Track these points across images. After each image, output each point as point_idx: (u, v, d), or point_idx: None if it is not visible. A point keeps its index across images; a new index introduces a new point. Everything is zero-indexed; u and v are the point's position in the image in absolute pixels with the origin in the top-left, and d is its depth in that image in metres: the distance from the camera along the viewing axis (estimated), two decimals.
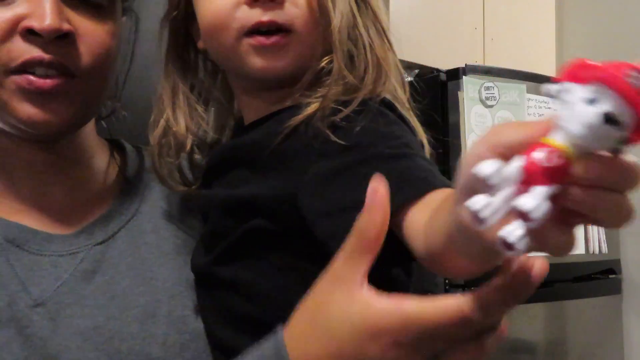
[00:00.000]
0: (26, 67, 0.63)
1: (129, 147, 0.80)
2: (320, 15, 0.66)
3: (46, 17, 0.61)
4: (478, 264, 0.46)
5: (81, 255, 0.68)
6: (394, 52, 0.70)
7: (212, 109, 0.77)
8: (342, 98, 0.64)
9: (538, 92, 2.07)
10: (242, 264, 0.66)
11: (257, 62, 0.67)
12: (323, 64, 0.67)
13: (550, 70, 2.55)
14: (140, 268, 0.69)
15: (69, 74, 0.64)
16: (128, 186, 0.75)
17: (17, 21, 0.62)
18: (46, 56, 0.62)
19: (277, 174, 0.65)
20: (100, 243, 0.69)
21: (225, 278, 0.67)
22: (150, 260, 0.70)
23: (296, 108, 0.65)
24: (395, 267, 0.65)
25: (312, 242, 0.61)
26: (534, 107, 2.06)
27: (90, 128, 0.74)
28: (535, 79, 2.09)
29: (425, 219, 0.52)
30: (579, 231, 2.16)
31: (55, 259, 0.67)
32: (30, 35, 0.62)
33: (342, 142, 0.61)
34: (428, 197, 0.54)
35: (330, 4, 0.66)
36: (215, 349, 0.68)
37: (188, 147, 0.72)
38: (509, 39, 2.42)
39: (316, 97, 0.64)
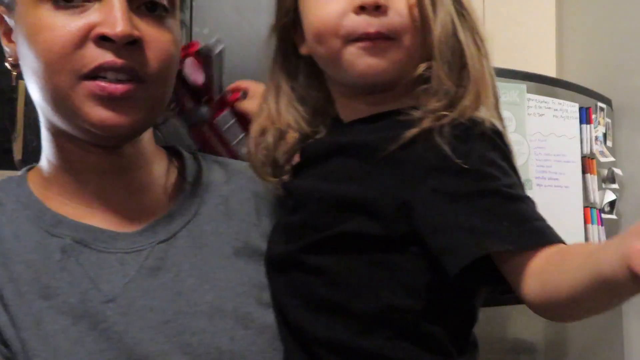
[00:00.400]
0: (98, 72, 0.66)
1: (185, 152, 0.83)
2: (421, 24, 0.70)
3: (118, 24, 0.64)
4: (598, 312, 0.56)
5: (146, 253, 0.71)
6: (491, 64, 0.74)
7: (309, 107, 0.81)
8: (452, 114, 0.68)
9: (538, 92, 2.07)
10: (334, 255, 0.69)
11: (361, 63, 0.71)
12: (420, 70, 0.71)
13: (550, 70, 2.55)
14: (203, 268, 0.72)
15: (138, 79, 0.67)
16: (187, 189, 0.78)
17: (89, 28, 0.65)
18: (119, 61, 0.66)
19: (387, 178, 0.68)
20: (163, 241, 0.73)
21: (313, 265, 0.70)
22: (212, 261, 0.73)
23: (404, 114, 0.69)
24: (486, 287, 0.71)
25: (409, 243, 0.67)
26: (534, 107, 2.06)
27: (149, 135, 0.78)
28: (535, 79, 2.09)
29: (541, 268, 0.60)
30: (580, 232, 2.16)
31: (122, 256, 0.70)
32: (103, 41, 0.65)
33: (462, 164, 0.65)
34: (547, 248, 0.61)
35: (431, 14, 0.70)
36: (289, 333, 0.72)
37: (288, 141, 0.78)
38: (509, 39, 2.42)
39: (427, 110, 0.68)
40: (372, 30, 0.70)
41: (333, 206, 0.71)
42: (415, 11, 0.71)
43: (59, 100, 0.67)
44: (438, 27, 0.70)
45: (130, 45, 0.66)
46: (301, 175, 0.78)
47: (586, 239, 2.16)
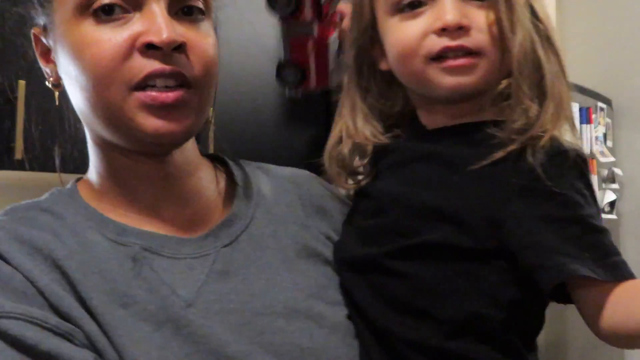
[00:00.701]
0: (148, 81, 0.66)
1: (228, 159, 0.84)
2: (500, 42, 0.73)
3: (163, 31, 0.65)
4: None
5: (212, 257, 0.72)
6: (569, 84, 0.76)
7: (385, 120, 0.83)
8: (543, 138, 0.70)
9: None
10: (420, 262, 0.71)
11: (447, 81, 0.73)
12: (502, 86, 0.73)
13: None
14: (268, 271, 0.73)
15: (186, 84, 0.68)
16: (241, 193, 0.79)
17: (135, 39, 0.66)
18: (167, 67, 0.66)
19: (477, 192, 0.71)
20: (227, 245, 0.73)
21: (398, 270, 0.72)
22: (275, 264, 0.74)
23: (490, 128, 0.71)
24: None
25: (496, 257, 0.70)
26: None
27: (193, 143, 0.78)
28: None
29: (616, 300, 0.65)
30: None
31: (190, 261, 0.71)
32: (149, 50, 0.66)
33: (552, 188, 0.68)
34: (624, 283, 0.66)
35: (509, 33, 0.72)
36: (368, 331, 0.73)
37: (365, 151, 0.80)
38: None
39: (515, 129, 0.70)
40: (453, 44, 0.72)
41: (420, 214, 0.72)
42: (495, 29, 0.72)
43: (111, 113, 0.68)
44: (516, 45, 0.72)
45: (175, 51, 0.67)
46: (382, 177, 0.79)
47: None
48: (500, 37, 0.72)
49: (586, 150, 2.23)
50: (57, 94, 0.76)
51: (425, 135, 0.78)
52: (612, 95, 2.43)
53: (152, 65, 0.66)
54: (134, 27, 0.66)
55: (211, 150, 1.70)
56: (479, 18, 0.73)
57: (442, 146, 0.75)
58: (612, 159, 2.36)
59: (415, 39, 0.74)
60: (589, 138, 2.24)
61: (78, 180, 0.78)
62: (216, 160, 0.84)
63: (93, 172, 0.76)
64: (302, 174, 0.88)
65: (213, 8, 0.75)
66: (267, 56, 2.04)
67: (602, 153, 2.33)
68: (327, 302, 0.74)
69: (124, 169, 0.73)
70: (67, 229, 0.70)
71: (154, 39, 0.65)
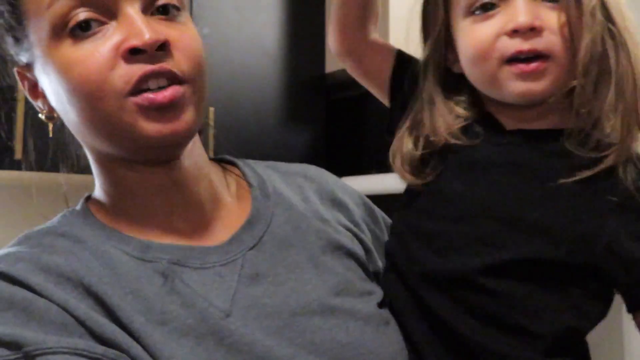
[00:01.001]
0: (141, 85, 0.65)
1: (237, 160, 0.84)
2: (571, 43, 0.72)
3: (144, 33, 0.65)
4: None
5: (240, 262, 0.71)
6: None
7: (463, 120, 0.82)
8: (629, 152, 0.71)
9: None
10: (514, 279, 0.71)
11: (517, 87, 0.73)
12: (569, 87, 0.72)
13: None
14: (297, 270, 0.73)
15: (178, 80, 0.67)
16: (258, 193, 0.79)
17: (117, 48, 0.65)
18: (155, 67, 0.66)
19: (569, 206, 0.71)
20: (252, 248, 0.73)
21: (490, 287, 0.71)
22: (303, 261, 0.74)
23: (574, 138, 0.72)
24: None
25: (587, 271, 0.71)
26: None
27: (200, 146, 0.78)
28: None
29: None
30: None
31: (219, 269, 0.70)
32: (133, 55, 0.65)
33: None
34: None
35: (578, 34, 0.71)
36: (446, 339, 0.73)
37: (436, 147, 0.78)
38: None
39: (604, 143, 0.71)
40: (525, 47, 0.72)
41: (510, 224, 0.72)
42: (566, 31, 0.72)
43: (110, 125, 0.67)
44: (583, 48, 0.71)
45: (159, 50, 0.66)
46: (455, 177, 0.77)
47: None
48: (571, 39, 0.72)
49: None
50: (51, 126, 0.75)
51: (503, 137, 0.77)
52: None
53: (140, 68, 0.65)
54: (114, 37, 0.66)
55: (211, 150, 1.70)
56: (551, 19, 0.72)
57: (527, 154, 0.75)
58: None
59: (487, 41, 0.74)
60: None
61: (87, 199, 0.76)
62: (223, 162, 0.83)
63: (101, 192, 0.75)
64: (311, 168, 0.87)
65: (186, 2, 0.73)
66: (267, 56, 2.04)
67: None
68: (356, 295, 0.74)
69: (132, 183, 0.72)
70: (90, 252, 0.68)
71: (136, 42, 0.64)
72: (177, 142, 0.70)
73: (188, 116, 0.68)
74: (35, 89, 0.73)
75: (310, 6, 2.12)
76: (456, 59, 0.80)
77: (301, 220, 0.78)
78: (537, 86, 0.73)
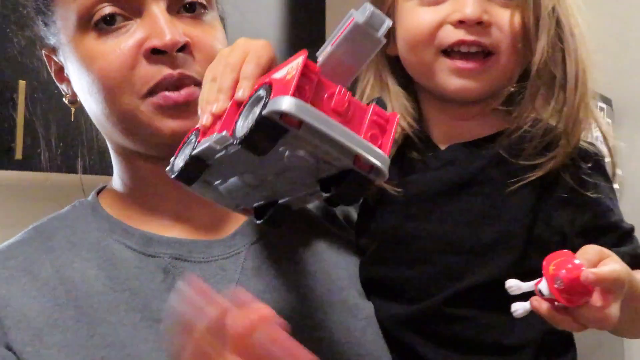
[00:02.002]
0: (157, 87, 0.66)
1: None
2: (522, 44, 0.69)
3: (165, 34, 0.65)
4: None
5: (243, 255, 0.71)
6: (590, 91, 0.75)
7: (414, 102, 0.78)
8: (567, 149, 0.69)
9: None
10: (480, 302, 0.69)
11: (453, 83, 0.70)
12: (513, 89, 0.70)
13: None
14: (300, 264, 0.73)
15: (194, 82, 0.68)
16: None
17: (139, 46, 0.66)
18: (175, 72, 0.66)
19: (521, 213, 0.69)
20: (255, 242, 0.73)
21: (459, 315, 0.70)
22: (305, 257, 0.74)
23: (510, 138, 0.69)
24: None
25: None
26: None
27: None
28: None
29: None
30: None
31: (221, 262, 0.71)
32: (155, 55, 0.65)
33: (589, 194, 0.69)
34: None
35: (533, 37, 0.69)
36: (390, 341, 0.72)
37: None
38: None
39: (540, 152, 0.68)
40: (469, 38, 0.69)
41: (470, 253, 0.69)
42: (518, 30, 0.69)
43: (127, 121, 0.68)
44: (539, 52, 0.69)
45: (181, 51, 0.67)
46: (406, 217, 0.73)
47: None
48: (522, 40, 0.69)
49: None
50: (73, 110, 0.76)
51: (438, 159, 0.74)
52: (612, 95, 2.43)
53: (160, 72, 0.66)
54: (136, 34, 0.66)
55: None
56: (502, 16, 0.69)
57: (467, 172, 0.72)
58: None
59: (430, 27, 0.70)
60: (589, 138, 2.24)
61: (100, 190, 0.77)
62: None
63: (117, 181, 0.76)
64: None
65: (215, 1, 0.74)
66: None
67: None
68: (361, 292, 0.74)
69: (147, 175, 0.73)
70: (90, 248, 0.69)
71: (157, 43, 0.65)
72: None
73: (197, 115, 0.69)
74: (60, 72, 0.74)
75: (310, 6, 2.12)
76: (392, 41, 0.75)
77: (306, 215, 0.78)
78: (472, 85, 0.70)
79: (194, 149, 0.54)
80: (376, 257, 0.75)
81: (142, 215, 0.73)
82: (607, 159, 0.75)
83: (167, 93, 0.66)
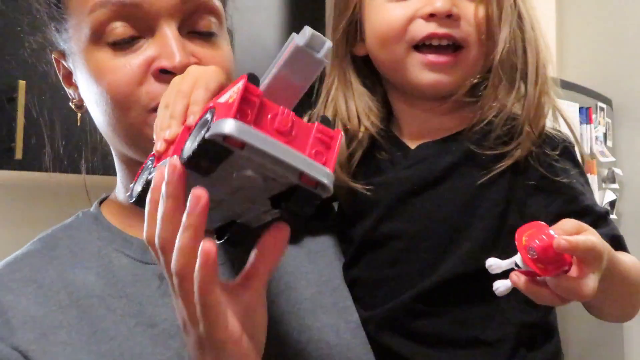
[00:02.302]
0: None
1: None
2: (487, 37, 0.71)
3: (175, 55, 0.66)
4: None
5: (238, 261, 0.71)
6: (550, 82, 0.75)
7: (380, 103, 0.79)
8: (535, 132, 0.70)
9: None
10: (453, 297, 0.69)
11: (425, 77, 0.71)
12: (475, 80, 0.71)
13: (550, 70, 2.54)
14: (293, 265, 0.74)
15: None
16: None
17: (148, 64, 0.67)
18: None
19: (494, 204, 0.70)
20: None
21: (430, 312, 0.70)
22: (298, 258, 0.75)
23: (479, 139, 0.70)
24: None
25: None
26: None
27: None
28: None
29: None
30: None
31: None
32: (163, 74, 0.66)
33: (560, 179, 0.69)
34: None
35: (497, 29, 0.71)
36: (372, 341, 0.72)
37: (355, 133, 0.75)
38: None
39: (516, 143, 0.69)
40: (440, 31, 0.70)
41: (446, 247, 0.70)
42: (483, 23, 0.71)
43: (132, 134, 0.69)
44: (502, 40, 0.70)
45: None
46: (386, 218, 0.73)
47: None
48: (487, 32, 0.71)
49: (586, 150, 2.23)
50: (79, 115, 0.77)
51: (408, 158, 0.74)
52: (612, 95, 2.43)
53: (164, 90, 0.66)
54: (147, 52, 0.67)
55: None
56: (469, 10, 0.71)
57: (439, 169, 0.72)
58: (612, 159, 2.36)
59: (400, 21, 0.71)
60: (589, 138, 2.24)
61: (103, 200, 0.79)
62: None
63: (120, 188, 0.77)
64: None
65: (225, 17, 0.75)
66: (267, 56, 2.04)
67: (602, 153, 2.33)
68: (351, 298, 0.74)
69: None
70: (90, 256, 0.71)
71: (166, 64, 0.66)
72: None
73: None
74: (69, 77, 0.75)
75: (310, 6, 2.12)
76: (361, 41, 0.76)
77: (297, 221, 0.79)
78: (446, 79, 0.71)
79: (150, 173, 0.56)
80: (354, 261, 0.75)
81: (141, 223, 0.74)
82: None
83: None
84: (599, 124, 2.34)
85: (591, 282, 0.55)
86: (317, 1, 2.17)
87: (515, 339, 0.70)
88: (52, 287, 0.68)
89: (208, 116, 0.50)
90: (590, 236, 0.55)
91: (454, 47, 0.71)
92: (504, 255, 0.64)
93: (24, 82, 1.39)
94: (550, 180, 0.69)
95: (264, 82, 0.53)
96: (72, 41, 0.70)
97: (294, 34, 0.51)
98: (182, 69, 0.66)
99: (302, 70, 0.52)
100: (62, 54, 0.74)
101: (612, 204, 2.35)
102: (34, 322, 0.65)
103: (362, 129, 0.75)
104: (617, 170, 2.39)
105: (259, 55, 2.02)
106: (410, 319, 0.70)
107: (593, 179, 2.24)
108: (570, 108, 2.19)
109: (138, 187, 0.58)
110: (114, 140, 0.72)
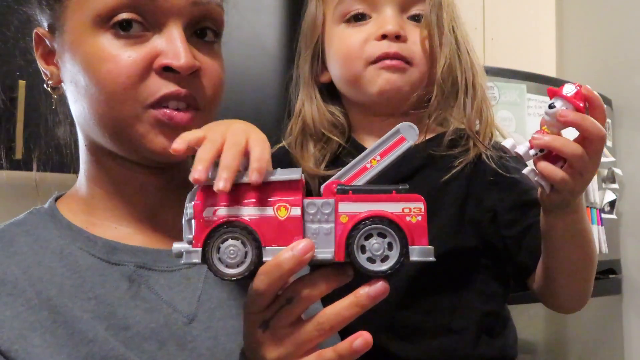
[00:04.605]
0: (162, 101, 0.67)
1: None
2: (430, 55, 0.86)
3: (182, 56, 0.66)
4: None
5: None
6: (485, 97, 0.90)
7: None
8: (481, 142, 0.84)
9: (538, 92, 2.07)
10: (421, 288, 0.78)
11: (381, 78, 0.84)
12: (422, 93, 0.86)
13: (550, 70, 2.54)
14: None
15: (196, 107, 0.69)
16: None
17: (152, 59, 0.66)
18: (182, 90, 0.67)
19: (455, 199, 0.82)
20: None
21: (404, 304, 0.79)
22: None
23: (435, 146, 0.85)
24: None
25: (479, 255, 0.82)
26: (534, 107, 2.06)
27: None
28: (535, 79, 2.08)
29: None
30: None
31: (185, 271, 0.71)
32: (166, 72, 0.66)
33: (512, 176, 0.82)
34: None
35: (438, 49, 0.85)
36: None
37: (315, 135, 0.92)
38: (509, 39, 2.42)
39: (466, 147, 0.83)
40: (391, 50, 0.84)
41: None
42: (426, 44, 0.86)
43: (121, 128, 0.68)
44: (443, 58, 0.84)
45: (190, 75, 0.68)
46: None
47: None
48: (430, 52, 0.86)
49: None
50: (54, 97, 0.75)
51: None
52: (612, 95, 2.43)
53: (168, 87, 0.66)
54: (152, 47, 0.66)
55: None
56: (414, 34, 0.86)
57: (404, 175, 0.82)
58: (612, 159, 2.36)
59: (358, 43, 0.85)
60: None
61: (58, 197, 0.76)
62: None
63: (84, 183, 0.75)
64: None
65: (223, 28, 0.75)
66: (267, 56, 2.04)
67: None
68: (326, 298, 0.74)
69: (121, 179, 0.73)
70: (53, 254, 0.68)
71: (173, 62, 0.66)
72: (177, 160, 0.71)
73: None
74: (49, 56, 0.73)
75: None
76: (324, 69, 0.92)
77: None
78: (397, 79, 0.84)
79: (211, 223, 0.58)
80: None
81: (105, 221, 0.72)
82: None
83: (172, 112, 0.67)
84: None
85: (563, 175, 0.67)
86: None
87: (478, 327, 0.80)
88: (16, 285, 0.64)
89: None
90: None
91: (403, 62, 0.85)
92: (465, 243, 0.79)
93: (24, 82, 1.39)
94: (504, 177, 0.81)
95: (371, 175, 0.57)
96: (68, 19, 0.68)
97: (400, 127, 0.57)
98: (187, 70, 0.66)
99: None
100: (49, 32, 0.71)
101: (612, 204, 2.35)
102: (9, 321, 0.62)
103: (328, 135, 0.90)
104: (617, 170, 2.39)
105: (259, 55, 2.02)
106: (383, 311, 0.71)
107: (593, 179, 2.23)
108: None
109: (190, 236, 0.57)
110: (94, 130, 0.70)
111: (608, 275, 2.29)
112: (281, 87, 2.04)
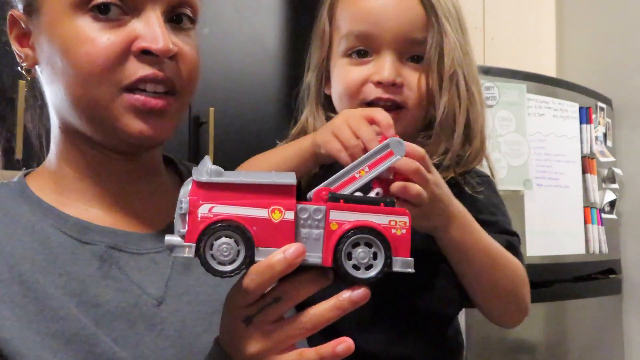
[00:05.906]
0: (138, 84, 0.67)
1: (175, 159, 0.87)
2: (427, 101, 0.88)
3: (160, 40, 0.67)
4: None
5: None
6: (484, 134, 0.92)
7: None
8: (463, 169, 0.89)
9: (538, 92, 2.07)
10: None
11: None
12: (420, 136, 0.89)
13: (550, 70, 2.55)
14: None
15: (173, 91, 0.70)
16: None
17: (130, 42, 0.67)
18: (160, 74, 0.68)
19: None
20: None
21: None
22: None
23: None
24: None
25: (439, 261, 0.85)
26: (534, 107, 2.06)
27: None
28: (535, 79, 2.09)
29: None
30: (580, 232, 2.16)
31: (153, 255, 0.72)
32: (144, 55, 0.67)
33: (477, 196, 0.87)
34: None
35: (437, 95, 0.87)
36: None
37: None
38: (509, 39, 2.42)
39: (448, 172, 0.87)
40: (385, 96, 0.87)
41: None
42: (424, 89, 0.87)
43: (96, 111, 0.68)
44: (441, 105, 0.86)
45: (169, 59, 0.68)
46: None
47: (586, 238, 2.16)
48: (427, 96, 0.87)
49: (586, 150, 2.23)
50: (27, 79, 0.75)
51: None
52: (612, 95, 2.43)
53: (144, 70, 0.67)
54: (130, 30, 0.67)
55: (211, 150, 1.69)
56: (412, 78, 0.88)
57: None
58: (612, 159, 2.36)
59: (356, 83, 0.88)
60: (589, 138, 2.24)
61: (27, 174, 0.76)
62: (165, 160, 0.85)
63: (55, 163, 0.75)
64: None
65: (199, 15, 0.75)
66: (267, 56, 2.04)
67: (602, 153, 2.33)
68: None
69: (94, 163, 0.73)
70: (24, 229, 0.68)
71: (152, 46, 0.66)
72: (152, 146, 0.73)
73: (170, 125, 0.71)
74: (24, 37, 0.73)
75: (310, 6, 2.11)
76: (328, 83, 0.95)
77: None
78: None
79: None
80: None
81: (75, 202, 0.73)
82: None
83: (144, 97, 0.67)
84: (599, 124, 2.33)
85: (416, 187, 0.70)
86: (317, 1, 2.17)
87: (436, 328, 0.87)
88: None
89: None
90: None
91: (396, 106, 0.88)
92: (432, 247, 0.82)
93: (24, 82, 1.39)
94: (473, 198, 0.86)
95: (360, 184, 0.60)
96: (44, 2, 0.69)
97: (389, 142, 0.61)
98: (165, 54, 0.67)
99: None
100: (25, 13, 0.71)
101: (612, 204, 2.35)
102: None
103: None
104: (617, 170, 2.39)
105: (259, 55, 2.02)
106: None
107: (593, 179, 2.24)
108: (570, 108, 2.19)
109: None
110: (70, 114, 0.70)
111: (608, 275, 2.29)
112: (281, 87, 2.04)
